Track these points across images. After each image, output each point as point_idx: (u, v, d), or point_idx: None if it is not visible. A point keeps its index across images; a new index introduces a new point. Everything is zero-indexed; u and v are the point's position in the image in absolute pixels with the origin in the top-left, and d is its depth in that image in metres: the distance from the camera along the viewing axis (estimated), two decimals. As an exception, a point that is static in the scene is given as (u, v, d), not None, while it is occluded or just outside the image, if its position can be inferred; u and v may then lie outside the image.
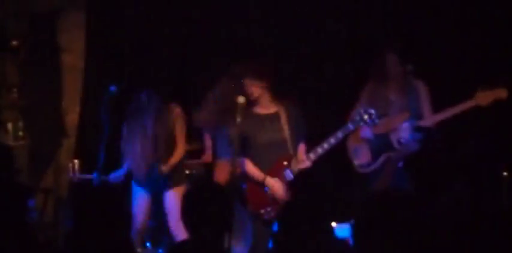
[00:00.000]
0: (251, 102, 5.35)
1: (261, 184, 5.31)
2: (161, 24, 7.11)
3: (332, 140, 5.26)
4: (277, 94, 5.43)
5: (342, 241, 3.67)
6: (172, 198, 5.86)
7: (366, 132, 5.96)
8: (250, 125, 5.33)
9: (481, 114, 5.67)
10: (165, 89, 6.17)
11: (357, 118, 5.27)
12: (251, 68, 5.42)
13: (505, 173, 5.99)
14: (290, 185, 5.29)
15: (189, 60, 7.13)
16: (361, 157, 6.03)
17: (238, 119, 5.16)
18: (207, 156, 6.53)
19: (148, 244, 6.10)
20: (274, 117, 5.39)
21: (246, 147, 5.33)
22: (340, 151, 5.83)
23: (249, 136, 5.32)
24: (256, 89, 5.35)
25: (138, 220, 5.86)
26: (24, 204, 4.95)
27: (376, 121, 5.28)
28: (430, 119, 5.76)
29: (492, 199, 5.74)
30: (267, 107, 5.41)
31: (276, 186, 5.28)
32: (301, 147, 5.42)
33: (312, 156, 5.28)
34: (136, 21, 7.12)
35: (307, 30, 6.89)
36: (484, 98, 5.58)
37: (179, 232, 5.70)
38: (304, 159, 5.28)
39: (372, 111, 5.27)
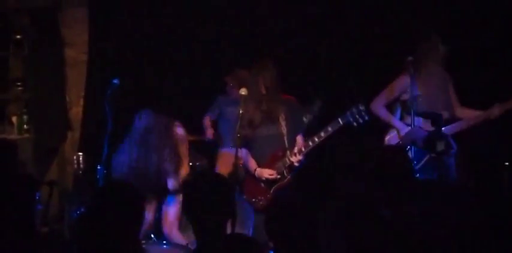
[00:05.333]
0: (254, 95, 5.38)
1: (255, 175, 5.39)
2: (164, 18, 7.16)
3: (322, 134, 5.29)
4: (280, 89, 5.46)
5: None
6: (172, 208, 5.83)
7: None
8: (252, 117, 5.37)
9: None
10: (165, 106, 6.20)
11: (347, 114, 5.27)
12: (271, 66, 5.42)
13: (506, 163, 6.02)
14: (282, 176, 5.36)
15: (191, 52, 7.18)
16: None
17: (241, 110, 5.21)
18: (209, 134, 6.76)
19: (153, 236, 6.12)
20: (274, 111, 5.41)
21: (247, 139, 5.36)
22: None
23: (250, 128, 5.36)
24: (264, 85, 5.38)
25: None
26: (31, 197, 4.97)
27: (366, 118, 5.26)
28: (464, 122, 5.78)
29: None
30: (268, 101, 5.42)
31: (264, 175, 5.34)
32: (298, 139, 5.46)
33: (303, 149, 5.32)
34: (138, 15, 7.15)
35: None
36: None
37: (174, 238, 5.73)
38: (295, 152, 5.31)
39: (362, 108, 5.26)
